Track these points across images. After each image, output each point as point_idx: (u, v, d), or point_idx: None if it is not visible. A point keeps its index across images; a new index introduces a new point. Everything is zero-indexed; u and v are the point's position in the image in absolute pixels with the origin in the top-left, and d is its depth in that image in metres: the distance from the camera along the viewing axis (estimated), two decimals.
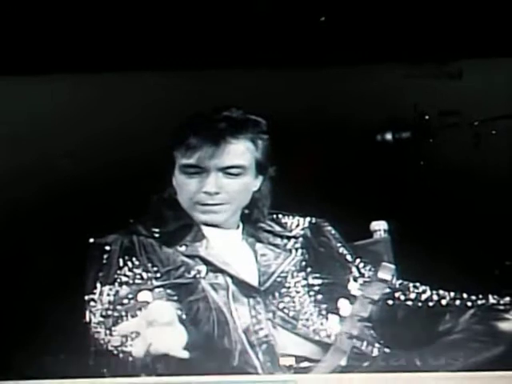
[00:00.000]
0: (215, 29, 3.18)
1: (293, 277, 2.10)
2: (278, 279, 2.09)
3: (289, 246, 2.16)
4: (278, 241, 2.16)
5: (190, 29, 3.14)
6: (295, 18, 3.28)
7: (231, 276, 2.06)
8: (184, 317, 1.99)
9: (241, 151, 2.09)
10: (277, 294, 2.07)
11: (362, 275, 2.19)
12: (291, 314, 2.06)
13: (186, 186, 2.09)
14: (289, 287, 2.09)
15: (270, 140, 2.15)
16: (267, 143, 2.13)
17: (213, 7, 3.15)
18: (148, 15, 3.13)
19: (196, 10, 3.17)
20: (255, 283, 2.07)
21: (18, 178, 2.87)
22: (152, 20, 3.13)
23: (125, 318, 1.95)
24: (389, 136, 3.36)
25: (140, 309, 1.95)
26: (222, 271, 2.06)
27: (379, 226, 2.33)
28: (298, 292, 2.09)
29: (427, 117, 3.36)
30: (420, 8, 3.28)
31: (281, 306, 2.06)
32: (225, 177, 2.09)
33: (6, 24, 2.99)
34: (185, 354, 1.83)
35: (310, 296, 2.10)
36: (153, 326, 1.81)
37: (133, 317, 1.95)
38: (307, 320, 2.07)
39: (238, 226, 2.16)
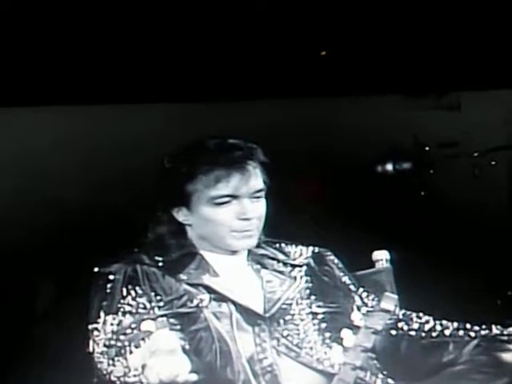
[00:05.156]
0: (213, 62, 3.20)
1: (297, 304, 2.09)
2: (284, 306, 2.07)
3: (293, 274, 2.15)
4: (283, 268, 2.16)
5: (183, 63, 3.16)
6: (296, 52, 3.31)
7: (235, 304, 2.04)
8: (187, 347, 1.98)
9: (258, 176, 2.11)
10: (281, 321, 2.05)
11: (365, 305, 2.18)
12: (295, 341, 2.04)
13: (218, 217, 2.07)
14: (293, 314, 2.07)
15: (273, 169, 2.16)
16: (268, 170, 2.15)
17: (213, 40, 3.17)
18: (150, 49, 3.15)
19: (199, 43, 3.20)
20: (260, 310, 2.06)
21: (23, 208, 2.86)
22: (153, 54, 3.16)
23: (128, 349, 1.93)
24: (389, 167, 3.39)
25: (143, 339, 1.93)
26: (226, 299, 2.04)
27: (381, 256, 2.33)
28: (302, 320, 2.07)
29: (427, 148, 3.39)
30: (420, 41, 3.31)
31: (285, 333, 2.04)
32: (252, 201, 2.10)
33: (11, 56, 3.01)
34: (193, 377, 1.82)
35: (313, 324, 2.09)
36: (156, 355, 1.79)
37: (136, 347, 1.93)
38: (311, 349, 2.05)
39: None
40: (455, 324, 2.12)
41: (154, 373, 1.76)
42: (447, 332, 2.11)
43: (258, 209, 2.10)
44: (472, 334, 2.08)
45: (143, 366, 1.80)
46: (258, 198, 2.10)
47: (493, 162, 3.18)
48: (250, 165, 2.09)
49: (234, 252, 2.12)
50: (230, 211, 2.08)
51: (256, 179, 2.10)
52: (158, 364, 1.77)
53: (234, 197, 2.08)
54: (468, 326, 2.11)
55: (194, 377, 1.81)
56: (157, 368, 1.76)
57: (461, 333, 2.10)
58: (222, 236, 2.09)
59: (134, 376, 1.86)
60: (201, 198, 2.08)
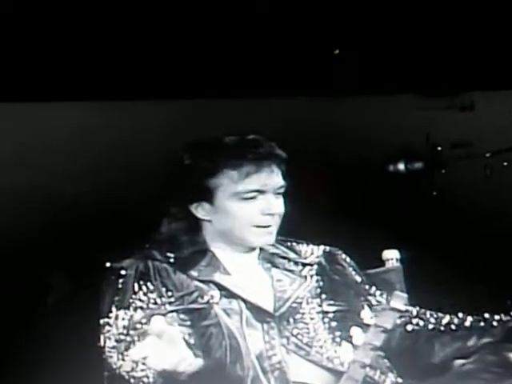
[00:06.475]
0: (220, 59, 3.21)
1: (307, 303, 2.10)
2: (293, 305, 2.08)
3: (304, 273, 2.16)
4: (293, 267, 2.16)
5: (189, 60, 3.17)
6: (309, 50, 3.31)
7: (245, 301, 2.05)
8: (197, 343, 1.99)
9: (280, 172, 2.12)
10: (291, 320, 2.06)
11: (376, 304, 2.19)
12: (305, 340, 2.05)
13: (242, 211, 2.08)
14: (303, 313, 2.08)
15: (286, 167, 2.17)
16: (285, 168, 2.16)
17: (222, 38, 3.19)
18: (160, 45, 3.17)
19: (209, 40, 3.21)
20: (270, 309, 2.07)
21: (36, 203, 2.87)
22: (163, 50, 3.17)
23: (137, 343, 1.94)
24: (401, 166, 3.39)
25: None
26: (237, 296, 2.05)
27: (391, 255, 2.34)
28: (312, 318, 2.08)
29: (439, 148, 3.39)
30: (433, 41, 3.31)
31: (295, 332, 2.05)
32: (276, 197, 2.11)
33: (13, 51, 3.04)
34: (194, 366, 1.82)
35: (324, 323, 2.09)
36: (156, 345, 1.81)
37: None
38: (321, 347, 2.06)
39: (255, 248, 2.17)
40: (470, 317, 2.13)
41: (155, 363, 1.78)
42: (467, 324, 2.11)
43: (280, 205, 2.11)
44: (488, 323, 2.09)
45: (144, 358, 1.81)
46: (280, 194, 2.12)
47: (505, 163, 3.18)
48: (274, 161, 2.10)
49: (249, 249, 2.13)
50: (256, 206, 2.08)
51: (279, 175, 2.11)
52: (158, 354, 1.78)
53: (260, 192, 2.08)
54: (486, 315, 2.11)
55: (195, 366, 1.82)
56: (156, 358, 1.78)
57: (479, 323, 2.11)
58: (243, 232, 2.09)
59: (142, 371, 1.87)
60: (226, 192, 2.08)
